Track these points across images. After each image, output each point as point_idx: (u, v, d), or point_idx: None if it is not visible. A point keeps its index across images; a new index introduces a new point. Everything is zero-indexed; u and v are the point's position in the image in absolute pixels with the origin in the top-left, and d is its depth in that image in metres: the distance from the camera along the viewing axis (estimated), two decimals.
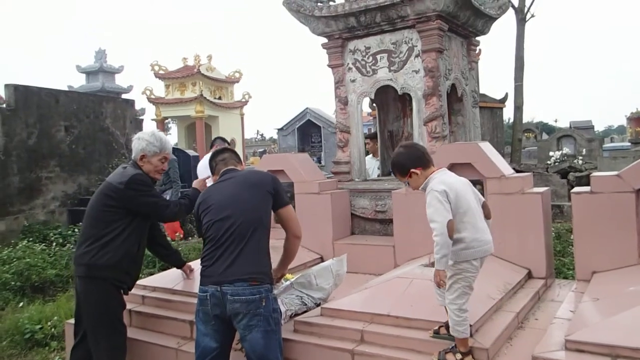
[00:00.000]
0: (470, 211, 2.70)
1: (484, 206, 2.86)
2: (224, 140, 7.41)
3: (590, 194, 3.71)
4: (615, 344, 2.44)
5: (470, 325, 2.81)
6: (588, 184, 3.81)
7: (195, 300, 3.08)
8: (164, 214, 3.48)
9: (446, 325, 2.84)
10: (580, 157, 14.79)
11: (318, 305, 3.50)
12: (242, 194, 2.98)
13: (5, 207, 9.21)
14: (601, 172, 5.60)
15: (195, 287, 3.31)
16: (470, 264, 2.68)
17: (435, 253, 2.61)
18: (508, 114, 19.23)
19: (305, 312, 3.46)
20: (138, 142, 3.51)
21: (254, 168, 5.89)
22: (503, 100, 15.89)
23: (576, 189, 3.96)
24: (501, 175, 4.04)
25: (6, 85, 9.64)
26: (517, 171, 4.91)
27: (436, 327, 2.92)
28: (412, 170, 2.78)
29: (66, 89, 16.26)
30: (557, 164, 13.70)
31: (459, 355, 2.70)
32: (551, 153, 15.26)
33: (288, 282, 3.49)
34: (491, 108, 15.10)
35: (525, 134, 24.56)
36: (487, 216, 2.86)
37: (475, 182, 4.23)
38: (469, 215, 2.69)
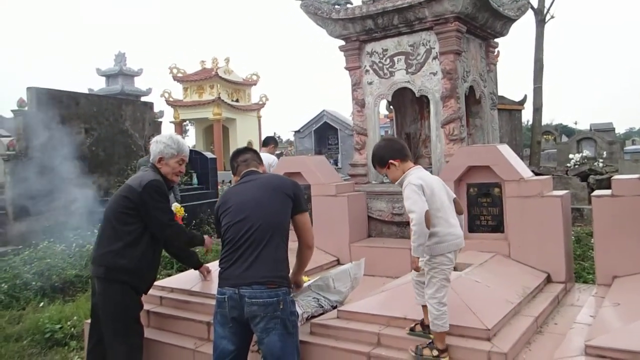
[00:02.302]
0: (443, 208, 2.82)
1: (456, 202, 2.97)
2: (273, 140, 8.20)
3: (612, 198, 3.66)
4: (638, 350, 2.40)
5: (489, 329, 2.79)
6: (609, 187, 3.77)
7: (212, 302, 3.10)
8: (164, 232, 3.43)
9: (421, 323, 2.94)
10: (601, 160, 14.55)
11: (334, 307, 3.49)
12: (263, 197, 2.98)
13: (27, 208, 9.36)
14: (622, 175, 5.51)
15: (213, 288, 3.33)
16: (445, 257, 2.78)
17: (412, 241, 2.72)
18: (527, 116, 19.12)
19: (321, 314, 3.45)
20: (156, 145, 3.55)
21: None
22: (522, 102, 15.73)
23: (597, 192, 3.91)
24: (520, 178, 4.00)
25: (28, 89, 9.78)
26: (537, 174, 4.86)
27: (412, 325, 2.99)
28: (391, 161, 2.92)
29: (87, 91, 16.47)
30: (577, 166, 13.50)
31: (435, 352, 2.74)
32: (571, 156, 15.06)
33: (306, 284, 3.49)
34: (510, 110, 14.96)
35: (545, 137, 24.28)
36: (459, 212, 2.96)
37: (493, 185, 4.22)
38: (442, 211, 2.81)
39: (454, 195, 2.99)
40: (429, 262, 2.79)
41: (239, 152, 3.39)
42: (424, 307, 2.89)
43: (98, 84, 19.88)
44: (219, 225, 3.07)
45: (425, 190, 2.76)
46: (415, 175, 2.84)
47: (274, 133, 40.38)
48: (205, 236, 3.82)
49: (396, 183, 2.96)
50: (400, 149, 2.95)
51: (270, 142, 7.97)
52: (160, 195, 3.39)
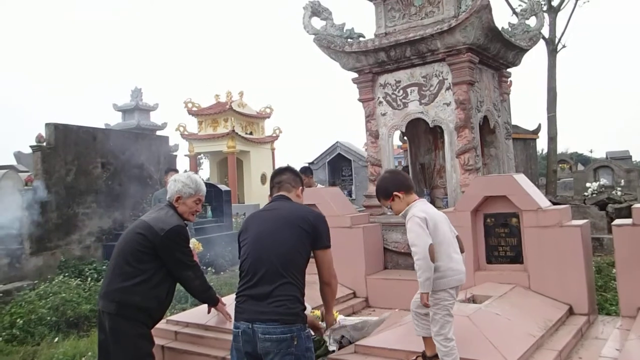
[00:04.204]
0: (445, 242, 2.81)
1: (458, 240, 2.94)
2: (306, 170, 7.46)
3: (633, 227, 3.59)
4: None
5: None
6: (629, 216, 3.70)
7: (227, 336, 3.06)
8: (184, 275, 3.44)
9: (423, 355, 2.91)
10: (619, 188, 14.35)
11: (351, 343, 3.43)
12: (280, 231, 2.92)
13: (43, 242, 9.42)
14: None
15: (228, 323, 3.28)
16: (446, 292, 2.77)
17: (418, 277, 2.71)
18: (542, 145, 18.95)
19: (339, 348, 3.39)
20: (174, 184, 3.55)
21: None
22: (536, 131, 15.67)
23: (618, 221, 3.84)
24: (538, 207, 3.95)
25: (47, 124, 9.99)
26: (554, 203, 4.79)
27: (413, 357, 2.96)
28: (395, 193, 2.92)
29: (103, 126, 16.74)
30: (594, 195, 13.30)
31: None
32: (588, 184, 14.85)
33: (341, 320, 3.42)
34: (524, 139, 14.89)
35: (560, 165, 24.08)
36: (460, 250, 2.93)
37: (511, 215, 4.16)
38: (444, 245, 2.79)
39: (457, 233, 2.98)
40: (430, 298, 2.76)
41: (277, 172, 3.33)
42: (425, 338, 2.90)
43: (115, 119, 20.21)
44: (240, 252, 3.06)
45: (428, 223, 2.76)
46: (419, 208, 2.84)
47: (287, 165, 40.42)
48: (221, 299, 3.80)
49: (399, 215, 2.96)
50: (404, 180, 2.98)
51: (304, 173, 7.06)
52: (184, 241, 3.41)
